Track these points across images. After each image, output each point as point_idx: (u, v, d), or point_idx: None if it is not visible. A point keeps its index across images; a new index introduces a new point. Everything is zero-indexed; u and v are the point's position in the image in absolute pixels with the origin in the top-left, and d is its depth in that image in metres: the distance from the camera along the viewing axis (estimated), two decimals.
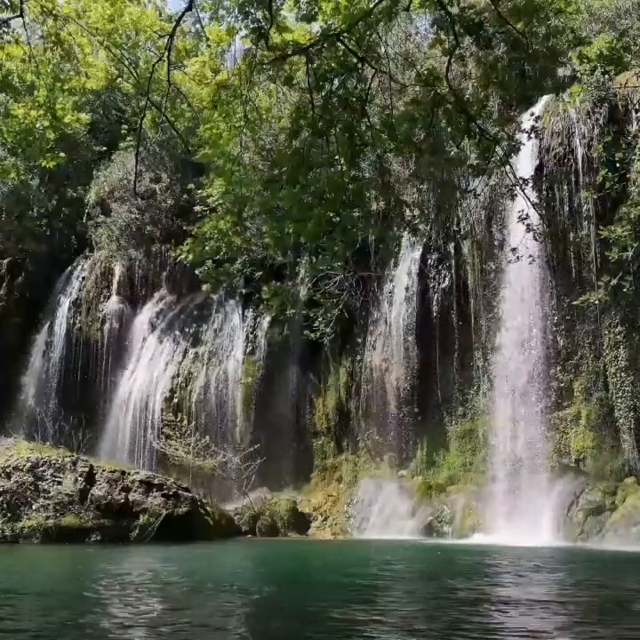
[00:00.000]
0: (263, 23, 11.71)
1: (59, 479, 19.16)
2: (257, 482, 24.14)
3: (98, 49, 20.81)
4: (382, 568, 13.78)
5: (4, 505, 18.50)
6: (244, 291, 28.29)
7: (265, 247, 25.80)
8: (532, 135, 14.28)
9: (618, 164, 19.82)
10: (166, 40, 14.22)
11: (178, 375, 27.93)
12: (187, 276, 29.43)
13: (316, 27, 14.43)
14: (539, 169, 20.85)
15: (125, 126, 30.71)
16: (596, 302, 19.46)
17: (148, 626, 7.73)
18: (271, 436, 25.53)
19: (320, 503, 24.50)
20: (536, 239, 14.34)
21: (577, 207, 20.88)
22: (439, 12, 11.87)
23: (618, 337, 19.85)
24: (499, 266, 22.19)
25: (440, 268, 24.11)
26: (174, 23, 14.72)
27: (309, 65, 11.87)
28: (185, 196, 29.79)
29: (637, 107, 20.20)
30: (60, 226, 33.03)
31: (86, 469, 19.56)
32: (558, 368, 20.98)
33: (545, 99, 21.26)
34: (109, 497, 19.13)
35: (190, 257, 26.60)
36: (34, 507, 18.56)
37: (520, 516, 19.50)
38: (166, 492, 19.65)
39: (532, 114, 15.20)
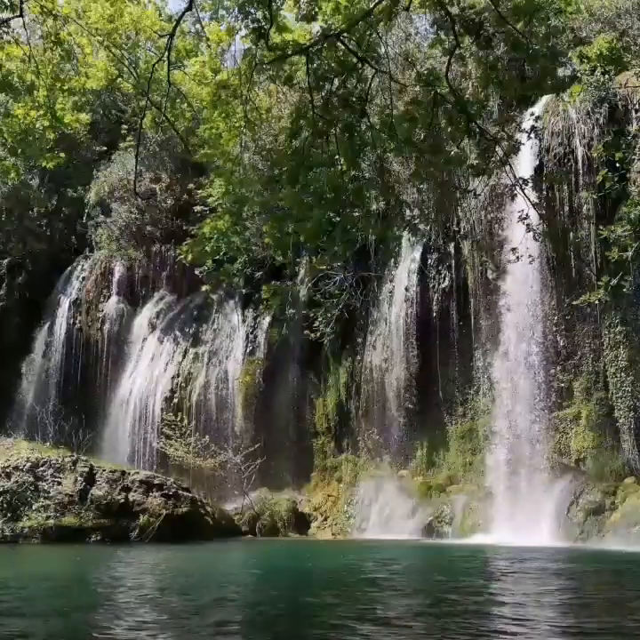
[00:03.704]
0: (263, 23, 11.69)
1: (59, 479, 19.15)
2: (257, 482, 24.13)
3: (98, 49, 20.78)
4: (381, 569, 13.77)
5: (4, 505, 18.49)
6: (243, 291, 28.28)
7: (265, 247, 25.75)
8: (532, 135, 14.25)
9: (618, 164, 19.82)
10: (166, 40, 14.23)
11: (178, 375, 27.93)
12: (187, 277, 29.42)
13: (316, 27, 14.41)
14: (539, 169, 20.83)
15: (125, 126, 30.68)
16: (596, 302, 19.46)
17: (147, 626, 7.73)
18: (271, 435, 25.53)
19: (320, 503, 24.49)
20: (536, 239, 14.31)
21: (577, 207, 20.88)
22: (439, 12, 11.85)
23: (618, 337, 19.85)
24: (499, 266, 22.19)
25: (440, 268, 24.11)
26: (174, 23, 14.71)
27: (309, 65, 11.85)
28: (185, 196, 29.78)
29: (637, 107, 20.21)
30: (60, 226, 33.02)
31: (86, 469, 19.56)
32: (558, 368, 20.98)
33: (545, 99, 21.25)
34: (109, 497, 19.13)
35: (190, 257, 26.62)
36: (34, 507, 18.55)
37: (520, 516, 19.51)
38: (166, 492, 19.66)
39: (532, 114, 15.18)
